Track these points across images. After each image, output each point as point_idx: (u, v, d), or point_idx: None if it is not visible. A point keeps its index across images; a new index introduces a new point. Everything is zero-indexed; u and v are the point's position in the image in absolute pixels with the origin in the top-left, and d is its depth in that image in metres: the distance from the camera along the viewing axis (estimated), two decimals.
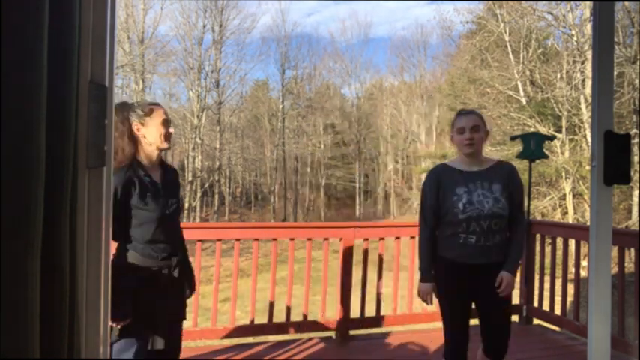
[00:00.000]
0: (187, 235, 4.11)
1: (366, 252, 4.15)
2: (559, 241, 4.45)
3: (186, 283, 2.28)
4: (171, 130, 2.16)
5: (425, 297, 2.53)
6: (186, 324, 4.58)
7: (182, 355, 3.67)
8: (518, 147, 7.50)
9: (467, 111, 2.57)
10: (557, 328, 4.29)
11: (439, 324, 4.73)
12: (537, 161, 7.39)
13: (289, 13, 50.70)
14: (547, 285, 4.43)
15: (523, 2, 17.24)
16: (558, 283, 4.28)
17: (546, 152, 6.23)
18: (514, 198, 2.47)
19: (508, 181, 2.45)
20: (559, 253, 4.46)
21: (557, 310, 4.27)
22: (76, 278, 0.94)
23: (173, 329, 2.22)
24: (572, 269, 4.42)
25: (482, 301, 2.51)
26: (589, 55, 15.00)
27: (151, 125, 2.11)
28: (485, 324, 2.54)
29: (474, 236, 2.39)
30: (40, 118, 0.83)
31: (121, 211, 2.01)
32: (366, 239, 4.17)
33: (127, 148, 2.08)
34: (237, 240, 3.86)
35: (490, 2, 19.16)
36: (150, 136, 2.12)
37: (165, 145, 2.15)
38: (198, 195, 26.61)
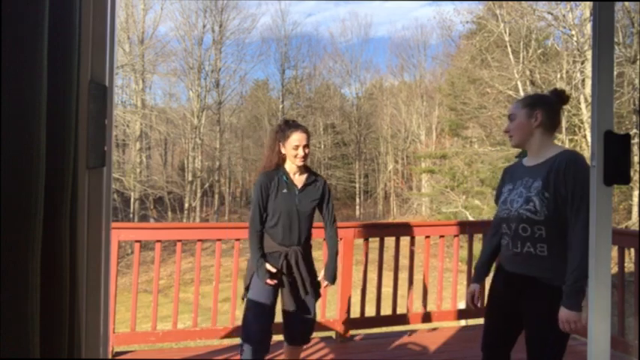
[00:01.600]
0: (187, 235, 4.14)
1: (366, 252, 4.15)
2: None
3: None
4: (300, 153, 2.71)
5: (467, 298, 2.30)
6: (186, 324, 4.60)
7: (182, 355, 3.68)
8: None
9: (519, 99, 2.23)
10: None
11: (439, 324, 4.75)
12: None
13: (289, 13, 50.67)
14: None
15: (523, 2, 17.24)
16: None
17: None
18: (562, 199, 1.93)
19: (557, 176, 1.94)
20: None
21: None
22: (76, 278, 0.94)
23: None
24: None
25: (523, 317, 2.11)
26: (589, 55, 15.00)
27: (288, 147, 2.72)
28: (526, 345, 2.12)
29: (506, 240, 2.12)
30: (40, 118, 0.83)
31: (264, 200, 2.71)
32: (366, 239, 4.17)
33: (274, 159, 2.77)
34: (237, 240, 3.86)
35: (490, 2, 19.16)
36: (287, 154, 2.75)
37: (298, 163, 2.74)
38: (198, 195, 26.61)
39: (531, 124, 2.09)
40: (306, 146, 2.74)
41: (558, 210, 1.95)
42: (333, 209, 2.94)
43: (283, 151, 2.76)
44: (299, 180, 2.79)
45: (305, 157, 2.74)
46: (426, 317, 4.34)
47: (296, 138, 2.71)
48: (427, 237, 4.42)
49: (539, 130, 2.09)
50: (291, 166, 2.79)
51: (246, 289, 2.77)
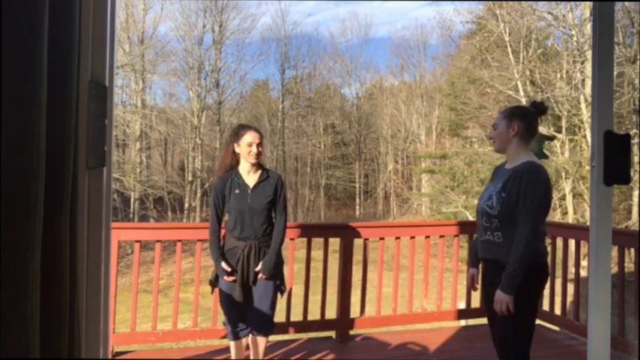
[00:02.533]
0: (187, 235, 4.14)
1: (365, 252, 4.15)
2: (559, 241, 4.44)
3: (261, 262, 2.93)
4: (254, 150, 2.90)
5: (468, 283, 2.74)
6: (186, 324, 4.60)
7: (182, 355, 3.68)
8: None
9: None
10: (557, 328, 4.29)
11: (439, 324, 4.75)
12: None
13: (289, 13, 50.52)
14: (547, 285, 4.42)
15: (523, 2, 17.23)
16: (558, 283, 4.28)
17: (546, 152, 6.22)
18: (511, 200, 2.28)
19: (512, 181, 2.30)
20: (559, 253, 4.46)
21: (557, 310, 4.27)
22: (76, 278, 0.94)
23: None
24: (572, 269, 4.42)
25: None
26: (589, 55, 14.99)
27: (242, 145, 2.92)
28: None
29: (478, 230, 2.48)
30: (40, 118, 0.83)
31: (220, 203, 2.95)
32: (366, 239, 4.17)
33: (227, 159, 2.98)
34: None
35: (490, 2, 19.15)
36: (241, 153, 2.94)
37: (251, 160, 2.92)
38: (198, 195, 26.59)
39: (509, 134, 2.39)
40: (259, 145, 2.94)
41: (509, 207, 2.28)
42: (283, 204, 3.02)
43: (238, 150, 2.95)
44: (252, 179, 2.97)
45: (258, 155, 2.93)
46: (428, 317, 4.34)
47: (249, 136, 2.92)
48: (427, 237, 4.42)
49: (516, 139, 2.39)
50: (244, 166, 2.98)
51: (214, 281, 3.05)
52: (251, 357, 3.06)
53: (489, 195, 2.37)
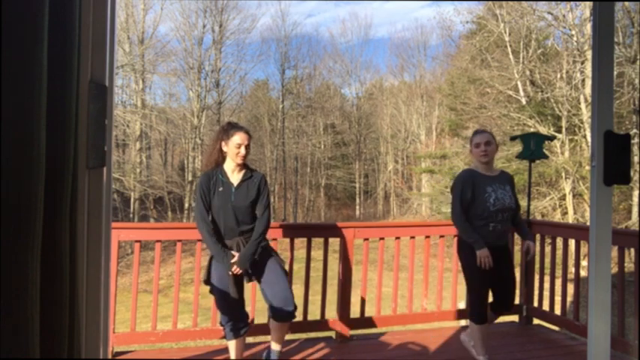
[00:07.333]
0: (188, 235, 4.14)
1: (366, 252, 4.15)
2: (559, 241, 4.44)
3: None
4: (242, 151, 2.93)
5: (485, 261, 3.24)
6: (186, 324, 4.60)
7: (182, 355, 3.68)
8: (518, 147, 7.51)
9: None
10: (557, 328, 4.29)
11: (438, 324, 4.75)
12: (537, 161, 7.39)
13: (289, 14, 50.44)
14: (547, 285, 4.43)
15: (523, 2, 17.24)
16: (558, 283, 4.28)
17: (546, 152, 6.22)
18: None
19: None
20: (559, 253, 4.46)
21: (557, 310, 4.26)
22: (76, 278, 0.94)
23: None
24: (572, 269, 4.42)
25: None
26: (589, 55, 15.00)
27: (230, 145, 2.95)
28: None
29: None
30: (40, 118, 0.83)
31: (207, 198, 2.94)
32: (366, 239, 4.17)
33: (214, 157, 3.01)
34: None
35: (490, 2, 19.15)
36: (229, 152, 2.97)
37: (238, 161, 2.95)
38: None
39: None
40: (247, 146, 2.97)
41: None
42: (266, 202, 3.04)
43: (225, 149, 2.98)
44: (236, 178, 3.00)
45: (245, 156, 2.96)
46: (428, 317, 4.33)
47: (239, 137, 2.94)
48: (427, 237, 4.42)
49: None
50: (229, 165, 3.00)
51: (207, 281, 3.01)
52: (274, 340, 3.13)
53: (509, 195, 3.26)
